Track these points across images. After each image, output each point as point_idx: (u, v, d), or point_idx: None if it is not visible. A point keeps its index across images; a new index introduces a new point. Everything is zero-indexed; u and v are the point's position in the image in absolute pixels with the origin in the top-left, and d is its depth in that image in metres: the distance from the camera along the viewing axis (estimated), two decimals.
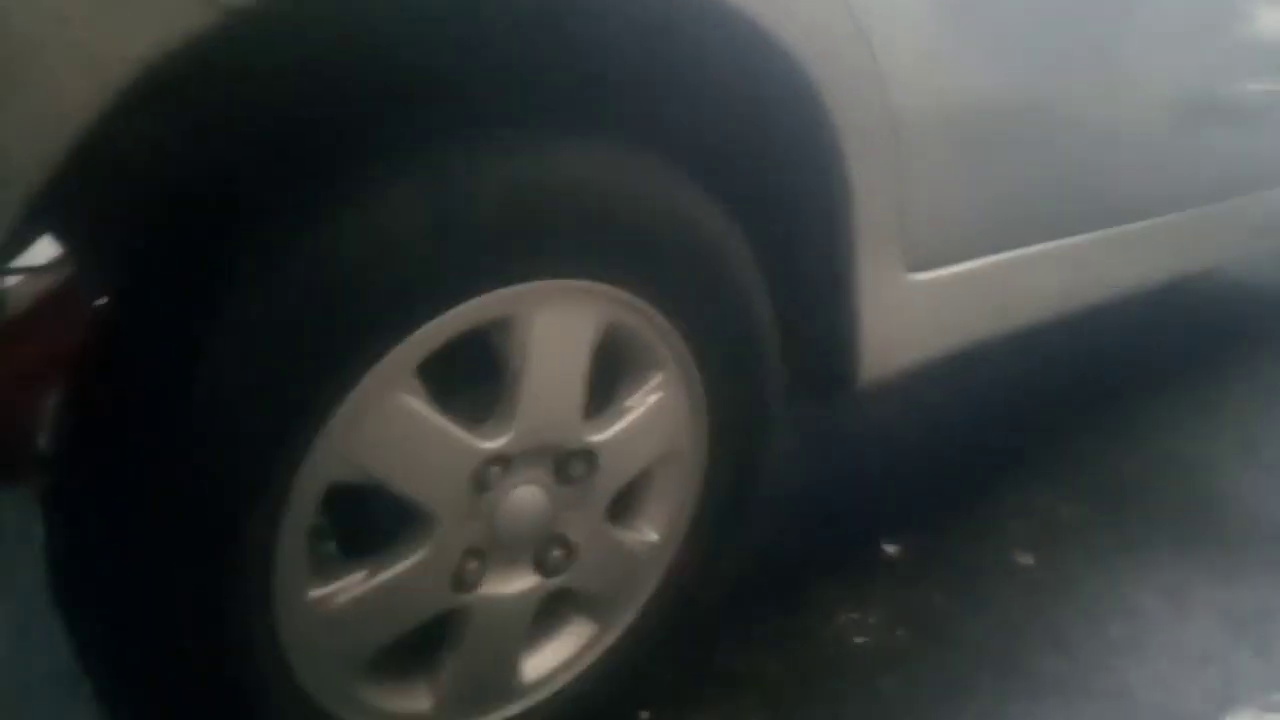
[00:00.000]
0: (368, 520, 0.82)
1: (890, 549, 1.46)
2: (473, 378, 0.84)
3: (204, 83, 0.61)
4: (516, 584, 0.90)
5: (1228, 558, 1.50)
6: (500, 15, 0.76)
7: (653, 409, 0.93)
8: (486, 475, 0.83)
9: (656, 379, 0.93)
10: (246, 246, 0.69)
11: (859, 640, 1.27)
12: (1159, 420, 1.95)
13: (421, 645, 0.88)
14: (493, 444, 0.83)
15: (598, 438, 0.90)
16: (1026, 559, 1.46)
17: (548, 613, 0.95)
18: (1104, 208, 1.37)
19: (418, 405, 0.78)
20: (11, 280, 0.89)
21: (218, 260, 0.69)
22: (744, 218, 0.93)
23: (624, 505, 0.98)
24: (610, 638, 1.01)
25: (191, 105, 0.63)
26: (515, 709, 0.95)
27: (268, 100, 0.71)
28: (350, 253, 0.70)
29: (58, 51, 0.55)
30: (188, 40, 0.58)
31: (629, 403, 0.92)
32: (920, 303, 1.11)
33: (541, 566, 0.91)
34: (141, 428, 0.68)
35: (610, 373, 0.92)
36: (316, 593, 0.78)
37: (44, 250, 0.89)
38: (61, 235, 0.84)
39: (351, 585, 0.79)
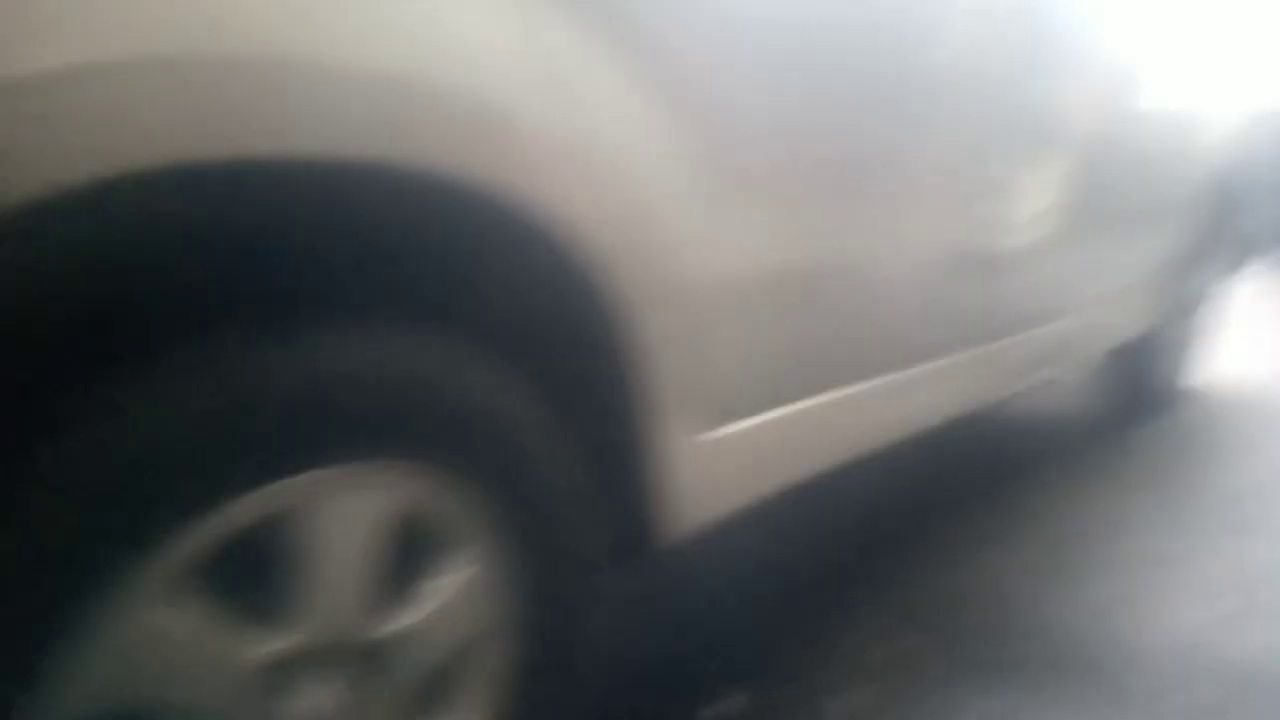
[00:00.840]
0: None
1: (707, 714, 1.43)
2: (248, 572, 0.80)
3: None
4: None
5: (1053, 679, 1.56)
6: (282, 211, 0.78)
7: (457, 589, 0.91)
8: (271, 680, 0.78)
9: (458, 558, 0.91)
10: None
11: None
12: (969, 541, 2.05)
13: None
14: (275, 647, 0.78)
15: (394, 627, 0.86)
16: (860, 698, 1.47)
17: None
18: (891, 354, 1.48)
19: (183, 616, 0.73)
20: None
21: None
22: (540, 389, 0.95)
23: (440, 693, 0.93)
24: None
25: None
26: None
27: (42, 294, 0.68)
28: (115, 452, 0.67)
29: None
30: None
31: (430, 585, 0.90)
32: (717, 457, 1.15)
33: None
34: None
35: (407, 556, 0.89)
36: None
37: None
38: None
39: None
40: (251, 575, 0.79)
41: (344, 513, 0.81)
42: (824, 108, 1.21)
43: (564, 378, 1.00)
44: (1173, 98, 2.35)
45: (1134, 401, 3.02)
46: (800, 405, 1.27)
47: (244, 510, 0.75)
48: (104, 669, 0.69)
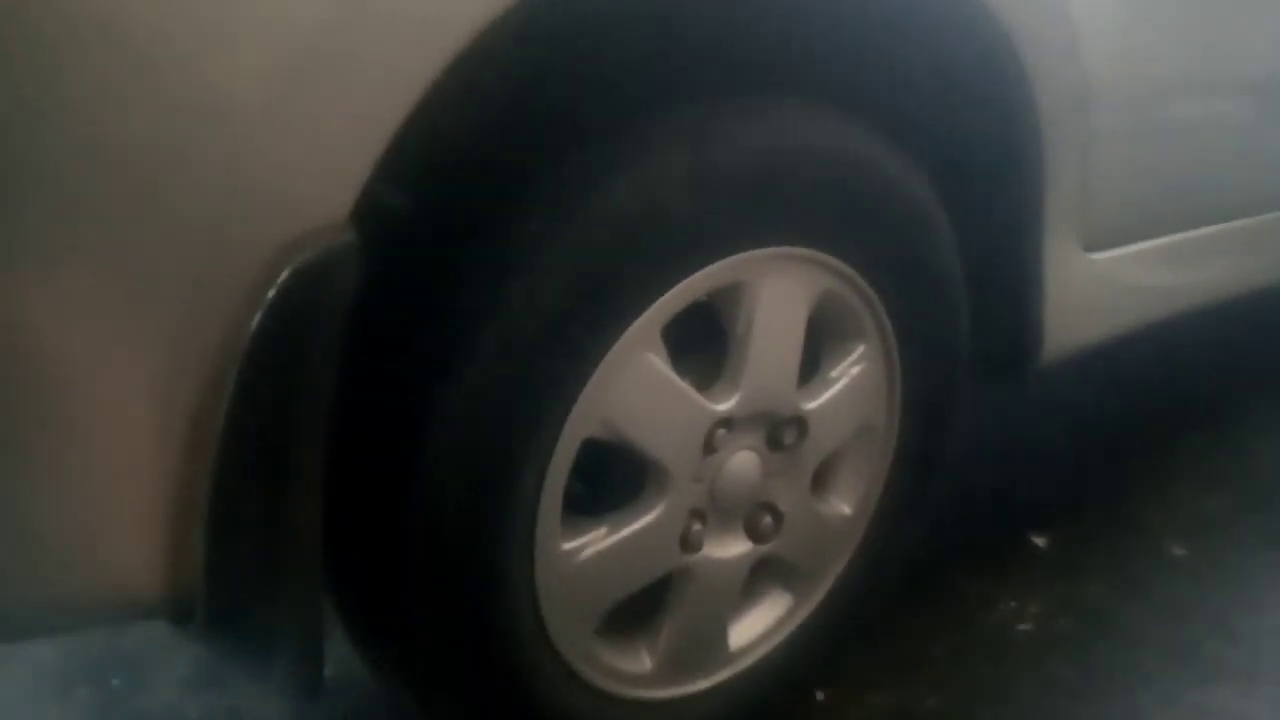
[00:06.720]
0: (605, 481, 0.85)
1: (1038, 540, 1.45)
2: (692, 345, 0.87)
3: (517, 52, 0.65)
4: (733, 548, 0.92)
5: None
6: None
7: (856, 380, 0.95)
8: (714, 437, 0.86)
9: (859, 350, 0.95)
10: (529, 212, 0.73)
11: (1022, 628, 1.27)
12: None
13: (637, 611, 0.91)
14: (722, 407, 0.85)
15: (809, 406, 0.92)
16: (1178, 549, 1.44)
17: (750, 583, 0.97)
18: (1257, 197, 1.37)
19: (663, 366, 0.81)
20: None
21: (500, 224, 0.73)
22: (945, 191, 0.96)
23: (820, 478, 0.99)
24: (804, 611, 1.02)
25: (505, 79, 0.67)
26: (721, 676, 0.97)
27: (556, 71, 0.75)
28: (624, 215, 0.74)
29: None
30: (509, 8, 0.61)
31: (834, 373, 0.95)
32: (1099, 281, 1.12)
33: (752, 532, 0.93)
34: (427, 377, 0.72)
35: (814, 343, 0.94)
36: (567, 545, 0.80)
37: None
38: None
39: (595, 540, 0.82)
40: (703, 346, 0.85)
41: (775, 292, 0.86)
42: None
43: (969, 182, 0.99)
44: None
45: None
46: (1182, 236, 1.21)
47: (710, 277, 0.81)
48: (595, 403, 0.78)
